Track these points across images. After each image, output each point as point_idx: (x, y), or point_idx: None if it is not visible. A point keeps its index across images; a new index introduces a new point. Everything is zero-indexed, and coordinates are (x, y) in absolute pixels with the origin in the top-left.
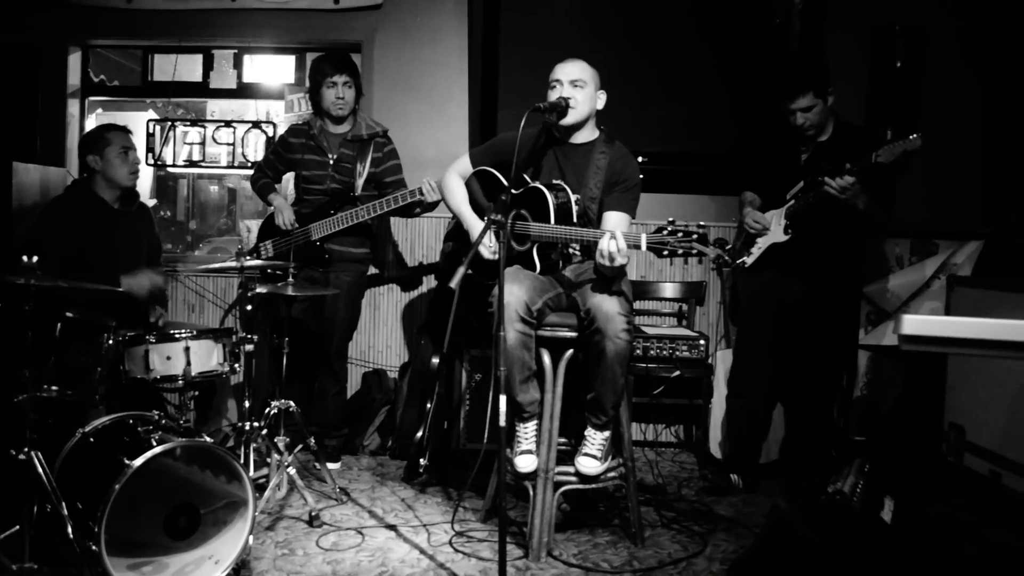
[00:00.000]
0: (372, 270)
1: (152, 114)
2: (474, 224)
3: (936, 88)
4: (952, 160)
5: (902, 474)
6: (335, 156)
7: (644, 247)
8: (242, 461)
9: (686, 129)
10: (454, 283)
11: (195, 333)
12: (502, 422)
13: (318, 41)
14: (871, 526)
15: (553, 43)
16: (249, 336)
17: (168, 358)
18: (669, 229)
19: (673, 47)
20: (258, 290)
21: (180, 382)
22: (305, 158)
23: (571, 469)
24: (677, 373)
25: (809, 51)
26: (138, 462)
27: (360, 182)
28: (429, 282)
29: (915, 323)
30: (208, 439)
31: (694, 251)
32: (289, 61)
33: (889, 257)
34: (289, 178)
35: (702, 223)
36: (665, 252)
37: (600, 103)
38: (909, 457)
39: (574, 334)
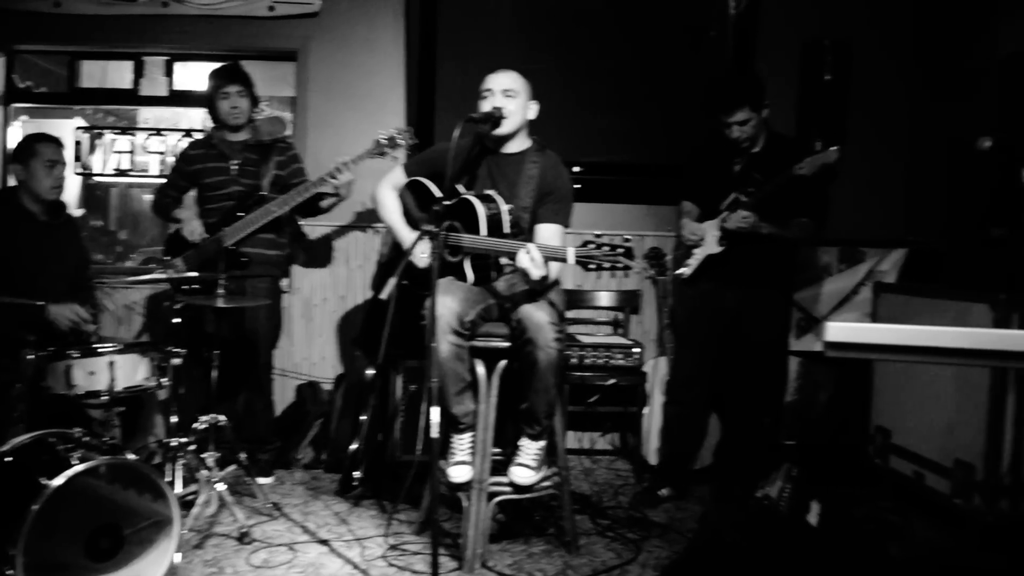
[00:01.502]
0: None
1: (80, 121)
2: (406, 236)
3: (863, 100)
4: (878, 170)
5: (831, 477)
6: (238, 162)
7: (572, 260)
8: (168, 478)
9: (623, 139)
10: (385, 294)
11: (120, 347)
12: (435, 434)
13: (252, 48)
14: (798, 529)
15: (490, 53)
16: (176, 350)
17: (92, 373)
18: (596, 243)
19: (610, 58)
20: (185, 302)
21: (104, 398)
22: (207, 167)
23: (506, 479)
24: (612, 381)
25: (742, 64)
26: (57, 482)
27: (266, 182)
28: (365, 293)
29: (839, 330)
30: (132, 457)
31: (619, 265)
32: None
33: (819, 265)
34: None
35: (628, 236)
36: (592, 266)
37: (532, 113)
38: (838, 460)
39: (507, 344)
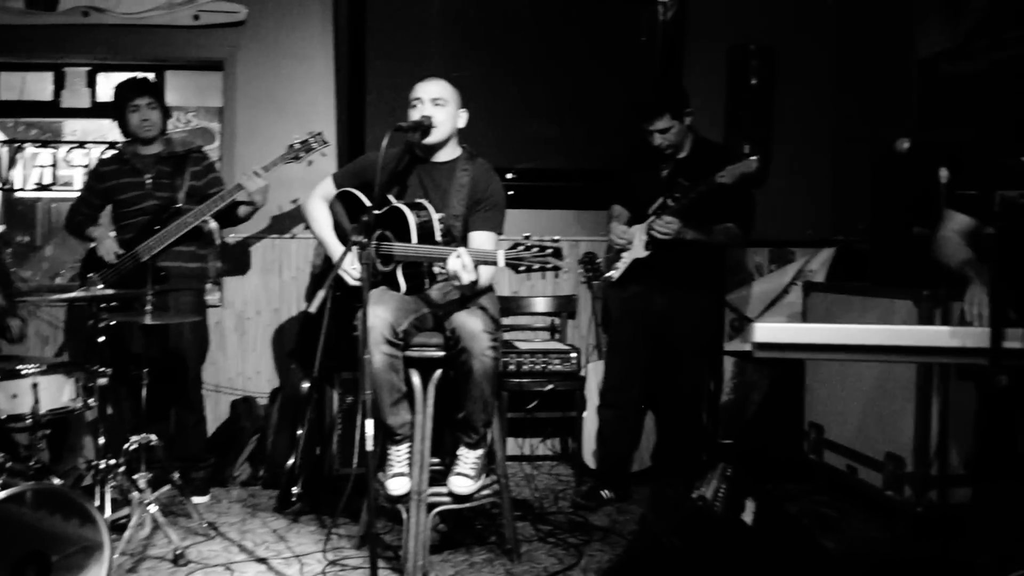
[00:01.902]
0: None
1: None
2: (336, 249)
3: (788, 104)
4: (805, 172)
5: (767, 474)
6: (151, 175)
7: (502, 263)
8: (97, 502)
9: (555, 145)
10: (313, 308)
11: (44, 368)
12: (370, 447)
13: (177, 58)
14: (733, 529)
15: (421, 61)
16: (102, 369)
17: (14, 396)
18: (525, 245)
19: (540, 64)
20: (109, 320)
21: (28, 421)
22: (120, 183)
23: (445, 489)
24: (550, 387)
25: (670, 69)
26: None
27: (182, 194)
28: (300, 305)
29: (766, 331)
30: (58, 481)
31: (549, 265)
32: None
33: (749, 266)
34: None
35: (556, 237)
36: (522, 268)
37: (462, 121)
38: (773, 457)
39: (442, 353)
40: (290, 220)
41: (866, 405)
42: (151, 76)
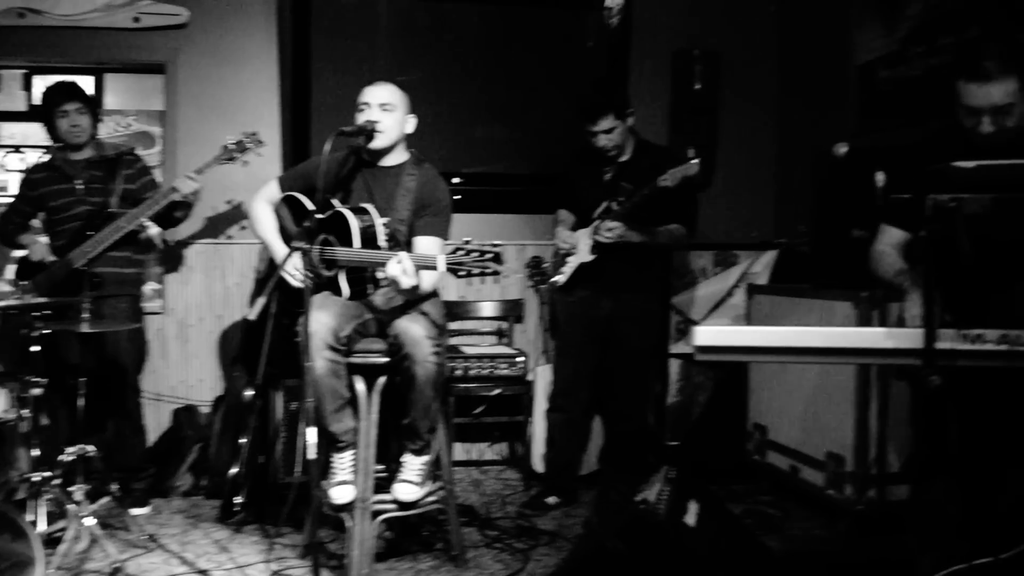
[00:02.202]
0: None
1: None
2: (280, 250)
3: (732, 109)
4: (749, 176)
5: (712, 475)
6: (83, 180)
7: (442, 268)
8: (31, 516)
9: (502, 150)
10: (253, 315)
11: None
12: (312, 455)
13: (117, 61)
14: (675, 530)
15: (367, 65)
16: (36, 379)
17: None
18: (465, 249)
19: (488, 69)
20: (43, 329)
21: None
22: (51, 189)
23: (390, 497)
24: (497, 391)
25: (616, 73)
26: None
27: (115, 199)
28: (243, 311)
29: (707, 334)
30: None
31: (489, 270)
32: (87, 82)
33: (694, 269)
34: None
35: (496, 242)
36: (462, 272)
37: (410, 127)
38: (719, 458)
39: (386, 359)
40: (231, 224)
41: (808, 406)
42: (85, 80)
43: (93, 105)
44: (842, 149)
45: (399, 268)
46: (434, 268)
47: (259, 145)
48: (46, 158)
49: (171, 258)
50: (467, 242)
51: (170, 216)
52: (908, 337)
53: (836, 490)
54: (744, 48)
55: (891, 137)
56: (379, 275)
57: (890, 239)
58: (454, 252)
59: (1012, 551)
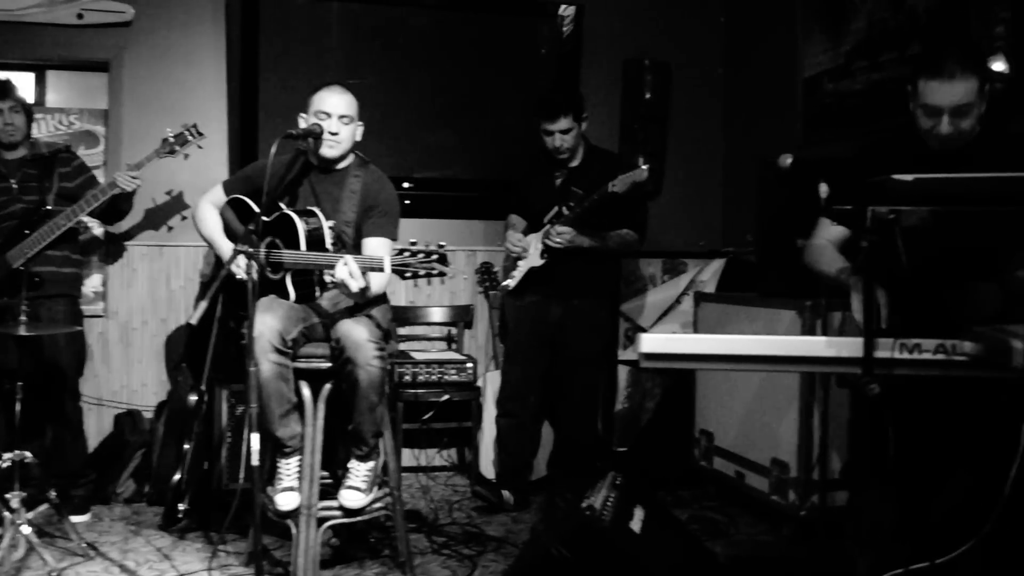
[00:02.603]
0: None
1: None
2: (226, 249)
3: (682, 118)
4: (698, 185)
5: (660, 481)
6: (17, 179)
7: (388, 270)
8: None
9: (453, 155)
10: (195, 319)
11: None
12: (255, 461)
13: (60, 58)
14: (620, 537)
15: (317, 66)
16: None
17: None
18: (411, 251)
19: (440, 74)
20: None
21: None
22: None
23: (336, 503)
24: (446, 397)
25: (567, 82)
26: None
27: (51, 196)
28: (188, 315)
29: (652, 341)
30: None
31: (435, 271)
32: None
33: (643, 276)
34: None
35: (442, 243)
36: (408, 274)
37: (359, 135)
38: (666, 464)
39: (330, 364)
40: (179, 228)
41: (753, 412)
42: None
43: (27, 103)
44: (787, 160)
45: (346, 271)
46: (380, 270)
47: (199, 137)
48: None
49: (114, 260)
50: (413, 243)
51: (113, 211)
52: (848, 346)
53: (780, 496)
54: (694, 58)
55: (835, 149)
56: (327, 278)
57: (829, 235)
58: (400, 253)
59: (948, 556)
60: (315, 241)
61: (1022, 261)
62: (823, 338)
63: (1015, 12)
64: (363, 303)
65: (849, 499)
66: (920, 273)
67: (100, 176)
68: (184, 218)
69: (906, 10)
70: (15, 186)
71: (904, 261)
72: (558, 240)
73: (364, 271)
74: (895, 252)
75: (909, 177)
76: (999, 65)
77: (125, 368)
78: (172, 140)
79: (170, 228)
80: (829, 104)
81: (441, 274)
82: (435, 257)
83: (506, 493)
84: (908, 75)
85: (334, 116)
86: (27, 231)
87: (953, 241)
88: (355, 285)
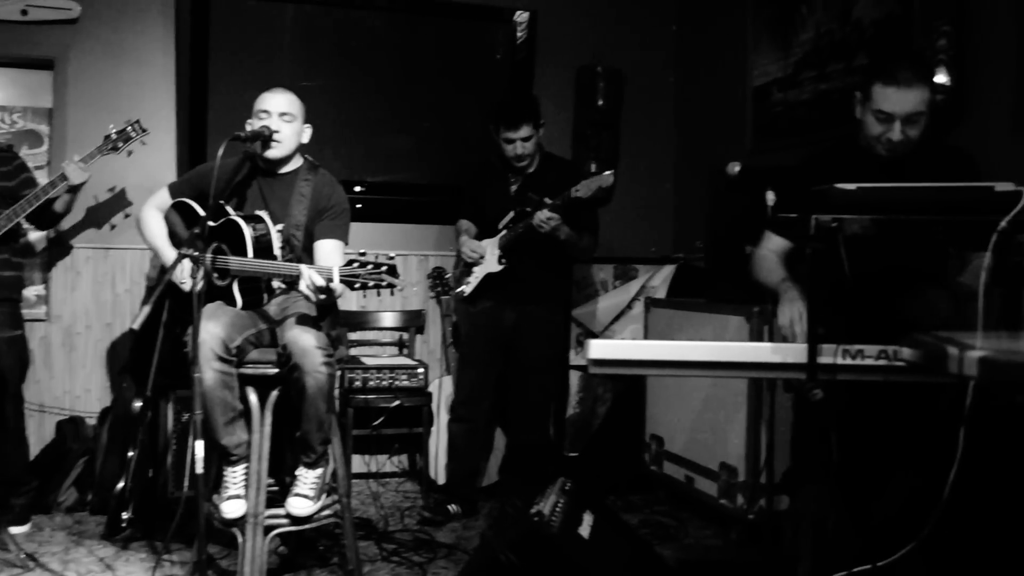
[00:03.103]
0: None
1: None
2: (169, 256)
3: (634, 125)
4: (650, 192)
5: (612, 486)
6: None
7: (337, 280)
8: None
9: (406, 159)
10: (136, 324)
11: None
12: (199, 469)
13: (2, 56)
14: (569, 543)
15: (268, 68)
16: None
17: None
18: (360, 261)
19: (397, 78)
20: None
21: None
22: None
23: (283, 511)
24: (397, 403)
25: (521, 87)
26: None
27: None
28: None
29: (601, 347)
30: None
31: (384, 283)
32: None
33: (595, 282)
34: None
35: (392, 254)
36: (357, 285)
37: (306, 137)
38: (617, 469)
39: (277, 370)
40: (125, 231)
41: (702, 417)
42: None
43: None
44: (735, 168)
45: (311, 283)
46: (330, 280)
47: (143, 133)
48: None
49: (57, 263)
50: (363, 254)
51: (50, 212)
52: (793, 352)
53: (728, 500)
54: (646, 66)
55: (783, 157)
56: (275, 285)
57: (773, 245)
58: (349, 264)
59: (889, 559)
60: (263, 248)
61: (964, 267)
62: (769, 344)
63: (956, 27)
64: (314, 311)
65: (790, 503)
66: (863, 281)
67: (43, 177)
68: (127, 215)
69: (852, 22)
70: None
71: (847, 269)
72: (544, 223)
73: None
74: (838, 260)
75: (852, 186)
76: (941, 77)
77: (68, 373)
78: (115, 136)
79: (113, 227)
80: (778, 113)
81: (391, 286)
82: (384, 268)
83: (453, 507)
84: (858, 82)
85: (274, 114)
86: None
87: (895, 249)
88: (321, 296)
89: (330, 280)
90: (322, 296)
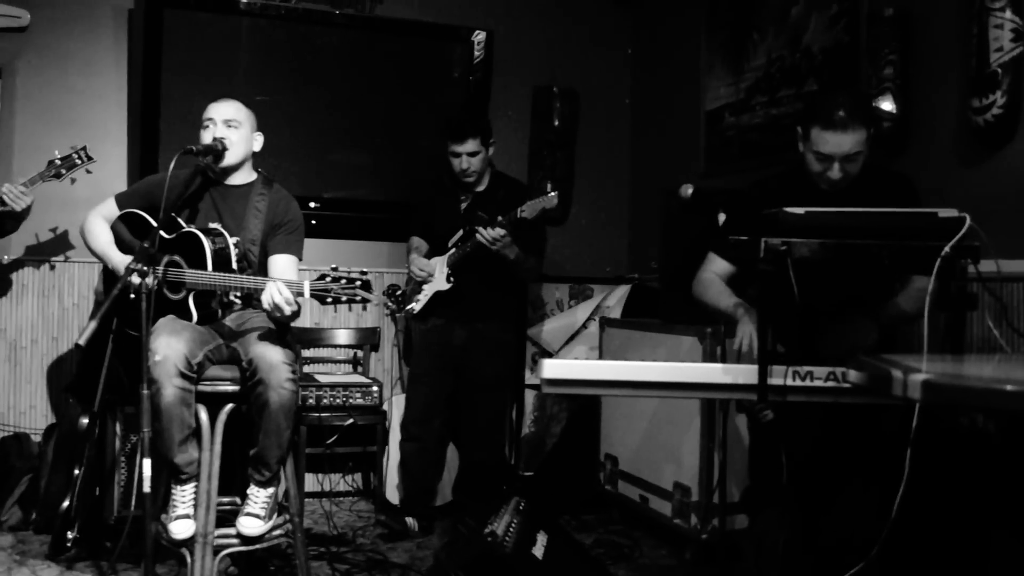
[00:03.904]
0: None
1: None
2: (118, 261)
3: (590, 145)
4: (605, 212)
5: (566, 505)
6: None
7: (307, 294)
8: None
9: (361, 175)
10: (83, 339)
11: None
12: (147, 488)
13: None
14: (522, 563)
15: (224, 81)
16: None
17: None
18: (332, 276)
19: (349, 94)
20: None
21: None
22: None
23: (234, 531)
24: (351, 421)
25: (478, 106)
26: None
27: None
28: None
29: (555, 367)
30: None
31: (357, 298)
32: None
33: (549, 301)
34: None
35: (364, 270)
36: (329, 299)
37: (257, 145)
38: (573, 488)
39: (236, 388)
40: (71, 243)
41: (656, 437)
42: None
43: None
44: (688, 190)
45: (279, 296)
46: (300, 294)
47: (89, 161)
48: None
49: (1, 275)
50: (335, 269)
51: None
52: (744, 373)
53: (682, 519)
54: (602, 88)
55: (735, 180)
56: (231, 298)
57: (717, 268)
58: (320, 279)
59: None
60: (222, 261)
61: (893, 295)
62: (720, 365)
63: (902, 55)
64: (277, 325)
65: (749, 523)
66: (810, 303)
67: None
68: (54, 231)
69: (802, 49)
70: None
71: (795, 291)
72: (492, 237)
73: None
74: (787, 283)
75: (800, 210)
76: (887, 105)
77: (12, 388)
78: (59, 163)
79: (67, 257)
80: (730, 137)
81: (364, 301)
82: (359, 284)
83: (411, 520)
84: (798, 118)
85: (219, 121)
86: None
87: (841, 272)
88: (289, 310)
89: (300, 294)
90: (285, 312)
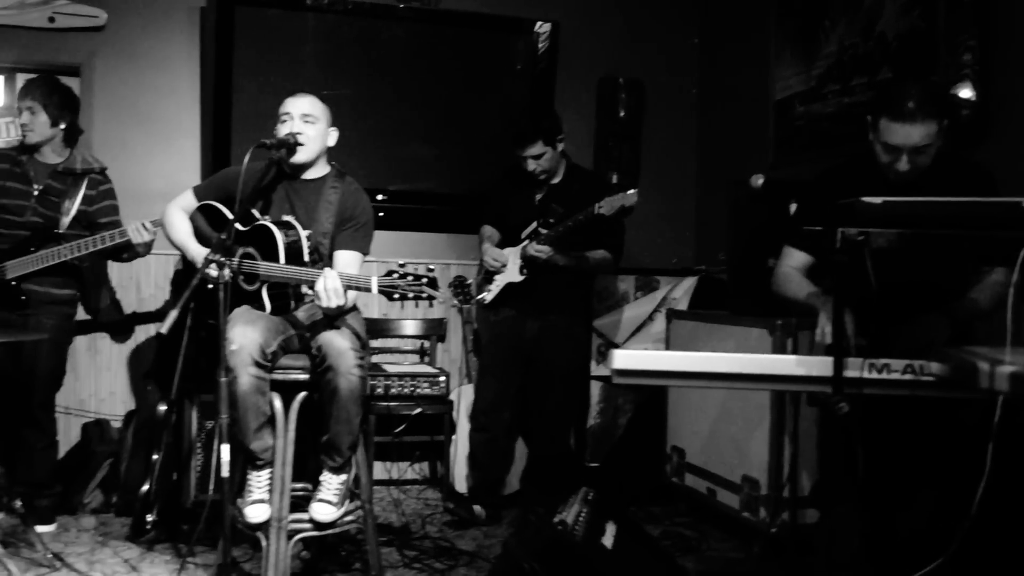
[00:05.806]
0: (82, 315)
1: None
2: (197, 253)
3: (656, 136)
4: (671, 203)
5: (632, 497)
6: (40, 187)
7: (375, 290)
8: None
9: (428, 168)
10: (165, 328)
11: None
12: (225, 473)
13: (31, 62)
14: (592, 552)
15: (292, 75)
16: None
17: None
18: (400, 272)
19: (419, 87)
20: None
21: None
22: (7, 185)
23: (307, 516)
24: (419, 410)
25: (542, 98)
26: None
27: (67, 219)
28: (159, 323)
29: (625, 358)
30: None
31: (424, 295)
32: None
33: (617, 293)
34: None
35: (432, 266)
36: (396, 296)
37: (332, 140)
38: (638, 480)
39: (307, 376)
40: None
41: (724, 429)
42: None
43: (53, 107)
44: (759, 180)
45: (330, 288)
46: (367, 290)
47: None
48: (14, 149)
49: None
50: (402, 265)
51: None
52: (818, 365)
53: (751, 513)
54: (668, 78)
55: (805, 170)
56: (304, 290)
57: (794, 261)
58: (388, 275)
59: (916, 574)
60: (294, 254)
61: (966, 289)
62: (793, 356)
63: (981, 40)
64: (337, 315)
65: (820, 518)
66: (888, 294)
67: None
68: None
69: (876, 36)
70: (35, 193)
71: (873, 282)
72: (536, 255)
73: (347, 289)
74: (864, 273)
75: (878, 200)
76: (966, 92)
77: (93, 376)
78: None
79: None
80: (800, 126)
81: (431, 298)
82: (425, 281)
83: (478, 508)
84: (868, 107)
85: (296, 116)
86: (32, 248)
87: (920, 263)
88: (336, 302)
89: (368, 289)
90: (331, 302)
